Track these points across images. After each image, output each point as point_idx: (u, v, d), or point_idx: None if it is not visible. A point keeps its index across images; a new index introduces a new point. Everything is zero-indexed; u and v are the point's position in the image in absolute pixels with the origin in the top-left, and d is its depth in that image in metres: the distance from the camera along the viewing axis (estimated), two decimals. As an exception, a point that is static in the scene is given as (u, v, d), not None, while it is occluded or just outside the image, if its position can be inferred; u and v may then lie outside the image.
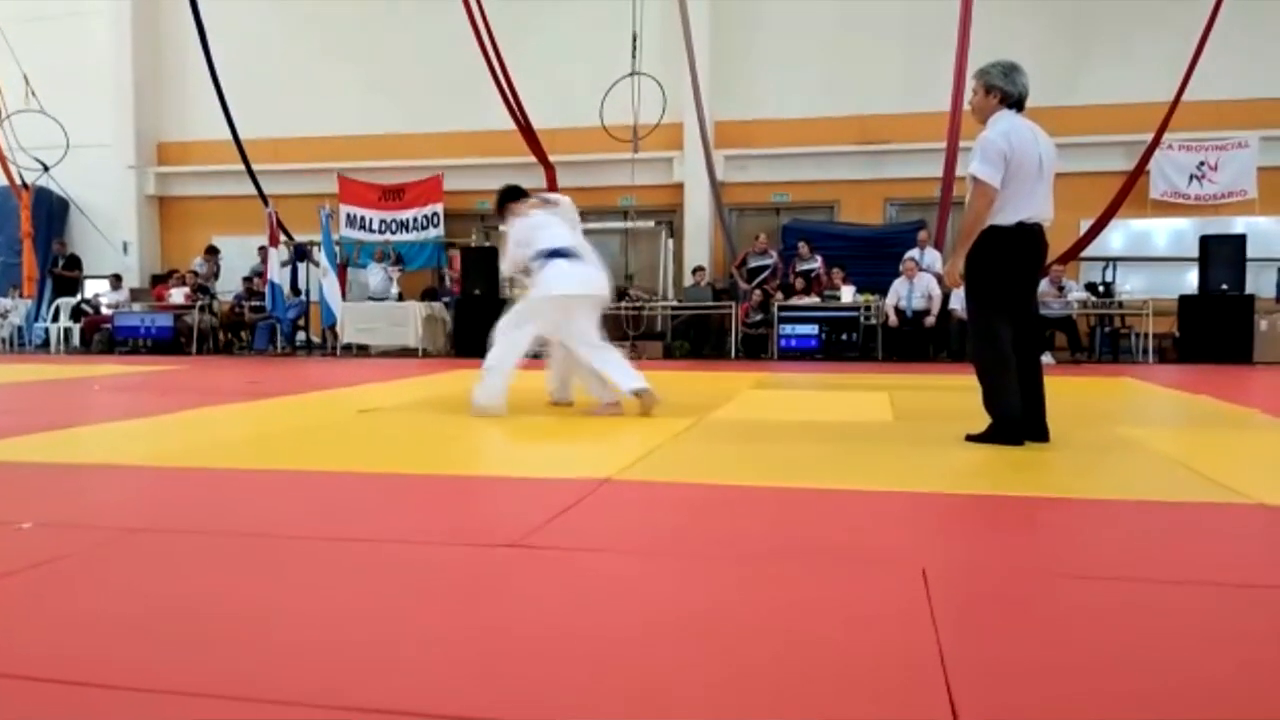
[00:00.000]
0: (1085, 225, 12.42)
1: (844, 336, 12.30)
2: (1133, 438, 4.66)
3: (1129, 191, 12.34)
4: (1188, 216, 13.09)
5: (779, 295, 12.55)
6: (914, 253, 12.19)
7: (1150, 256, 13.23)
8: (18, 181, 14.96)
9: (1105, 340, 12.23)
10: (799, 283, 12.71)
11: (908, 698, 1.51)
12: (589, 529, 2.75)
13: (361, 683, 1.58)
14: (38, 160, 14.79)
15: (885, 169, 13.77)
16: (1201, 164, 12.90)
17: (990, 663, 1.68)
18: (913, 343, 11.78)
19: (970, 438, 4.24)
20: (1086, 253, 12.75)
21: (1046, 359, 11.43)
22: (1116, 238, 13.18)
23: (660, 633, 1.84)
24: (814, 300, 12.51)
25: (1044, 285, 11.79)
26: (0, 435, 4.55)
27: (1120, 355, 12.00)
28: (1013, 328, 4.16)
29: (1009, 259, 4.14)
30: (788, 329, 12.23)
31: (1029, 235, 4.14)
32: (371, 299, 13.48)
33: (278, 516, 2.96)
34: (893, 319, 11.84)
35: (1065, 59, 12.82)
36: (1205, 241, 11.68)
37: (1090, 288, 12.36)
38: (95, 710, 1.48)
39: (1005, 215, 4.08)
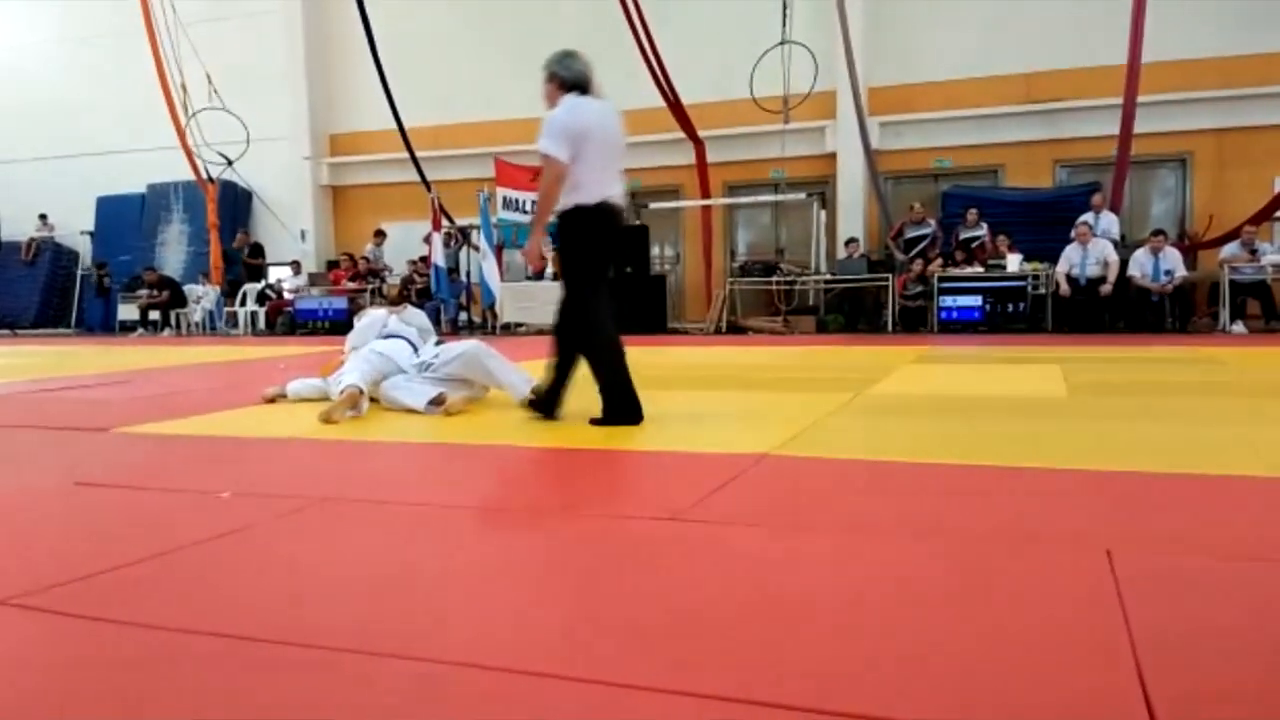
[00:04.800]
0: (1280, 182, 11.42)
1: (1010, 307, 11.77)
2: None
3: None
4: (1401, 164, 11.81)
5: (939, 265, 12.11)
6: (1088, 216, 11.51)
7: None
8: (204, 175, 16.10)
9: (1307, 306, 11.22)
10: (960, 253, 12.23)
11: (1097, 679, 1.44)
12: (746, 503, 2.74)
13: (530, 652, 1.63)
14: (222, 155, 15.86)
15: (1055, 129, 13.02)
16: None
17: (1182, 646, 1.57)
18: (1086, 313, 11.13)
19: (595, 421, 4.19)
20: (1283, 211, 11.70)
21: (1238, 328, 10.60)
22: (1318, 193, 12.01)
23: (830, 609, 1.81)
24: (977, 270, 12.01)
25: (1234, 249, 10.89)
26: (203, 411, 4.94)
27: (1324, 321, 11.00)
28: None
29: (603, 236, 4.20)
30: (948, 300, 11.80)
31: (614, 214, 4.24)
32: (528, 279, 13.82)
33: (451, 489, 3.09)
34: (1064, 288, 11.22)
35: (1250, 3, 11.74)
36: None
37: (1288, 249, 11.34)
38: (316, 666, 1.59)
39: (588, 193, 4.12)
